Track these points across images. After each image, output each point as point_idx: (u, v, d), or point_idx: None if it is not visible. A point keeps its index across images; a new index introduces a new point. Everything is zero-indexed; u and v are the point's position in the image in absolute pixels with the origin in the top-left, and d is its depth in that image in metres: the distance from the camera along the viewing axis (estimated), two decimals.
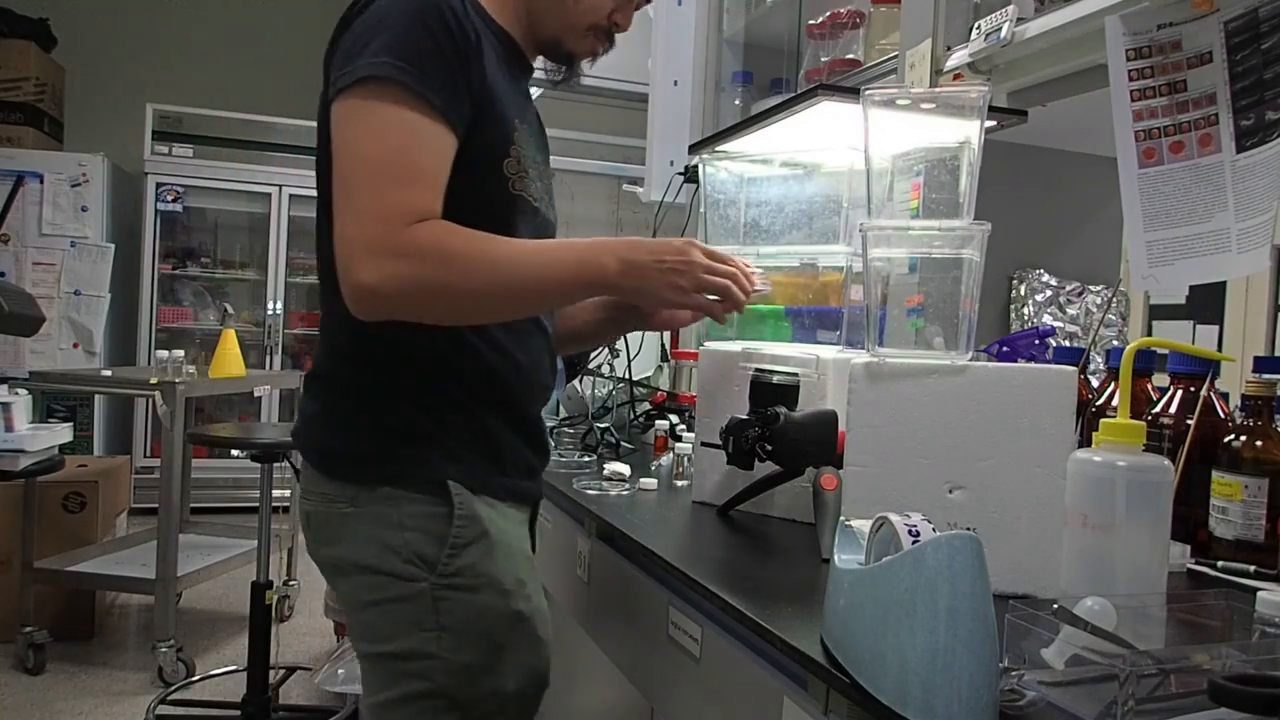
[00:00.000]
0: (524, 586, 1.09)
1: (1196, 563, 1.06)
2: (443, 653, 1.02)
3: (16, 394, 2.85)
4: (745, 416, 1.20)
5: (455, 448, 1.07)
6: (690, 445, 1.53)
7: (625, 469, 1.52)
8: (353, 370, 1.08)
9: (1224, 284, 2.43)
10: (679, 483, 1.53)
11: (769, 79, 2.38)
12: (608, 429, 1.87)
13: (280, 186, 5.06)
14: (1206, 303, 2.61)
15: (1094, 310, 1.75)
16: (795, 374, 1.22)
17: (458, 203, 1.00)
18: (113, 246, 4.76)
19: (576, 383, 2.02)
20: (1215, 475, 1.06)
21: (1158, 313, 2.68)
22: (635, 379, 2.10)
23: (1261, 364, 1.07)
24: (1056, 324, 1.72)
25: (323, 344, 1.12)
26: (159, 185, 4.92)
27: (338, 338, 1.09)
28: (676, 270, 1.07)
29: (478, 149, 1.03)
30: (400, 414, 1.06)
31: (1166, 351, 1.17)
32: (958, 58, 1.49)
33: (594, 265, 1.04)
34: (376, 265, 0.92)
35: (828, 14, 1.94)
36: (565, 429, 1.99)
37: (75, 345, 4.70)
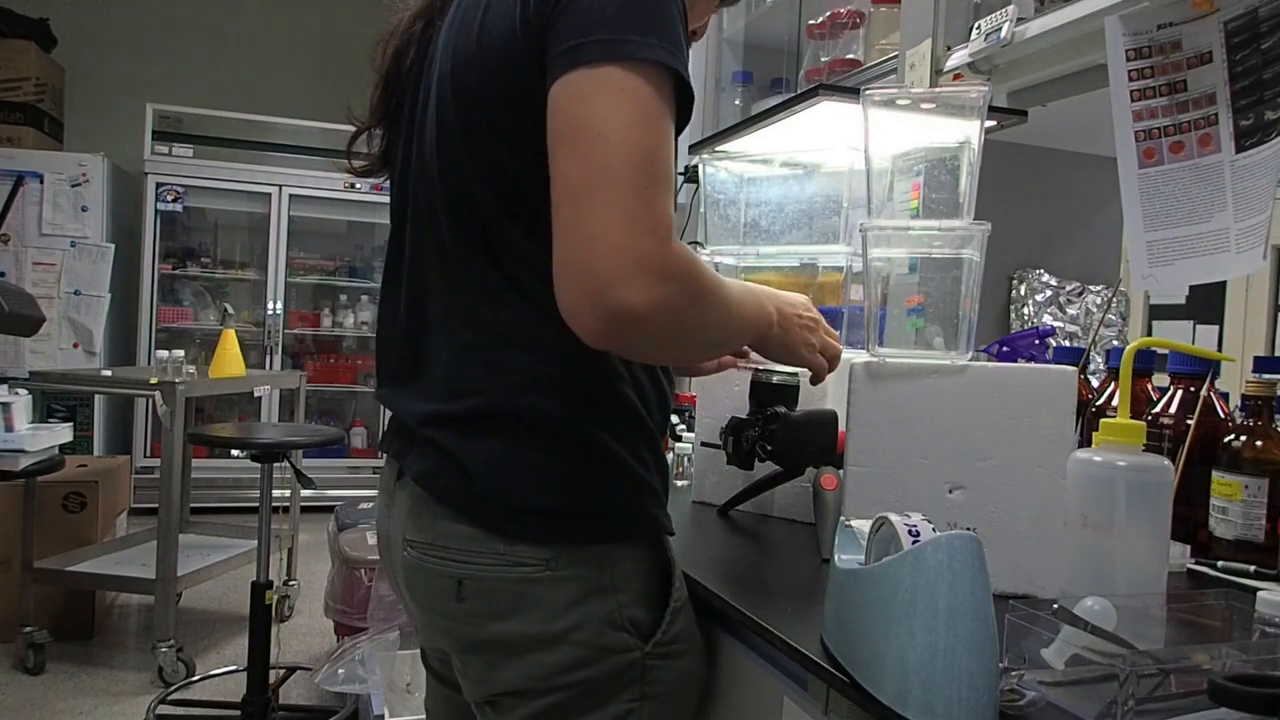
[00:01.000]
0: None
1: (1196, 563, 1.06)
2: None
3: (16, 394, 2.85)
4: (745, 416, 1.20)
5: (659, 491, 0.94)
6: (690, 445, 1.53)
7: None
8: (552, 406, 0.87)
9: (1224, 284, 2.43)
10: (679, 483, 1.53)
11: (769, 79, 2.38)
12: None
13: (280, 186, 5.06)
14: (1206, 303, 2.61)
15: (1094, 310, 1.75)
16: (795, 374, 1.22)
17: None
18: (113, 246, 4.76)
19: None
20: (1215, 475, 1.06)
21: (1158, 313, 2.68)
22: None
23: (1261, 364, 1.07)
24: (1056, 324, 1.72)
25: (489, 372, 0.88)
26: (159, 185, 4.92)
27: (539, 366, 0.87)
28: (809, 328, 1.01)
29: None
30: (615, 457, 0.89)
31: (1166, 351, 1.17)
32: (958, 58, 1.49)
33: (765, 312, 0.95)
34: (647, 286, 0.73)
35: (828, 14, 1.94)
36: None
37: (75, 345, 4.70)
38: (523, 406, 0.87)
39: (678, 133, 0.82)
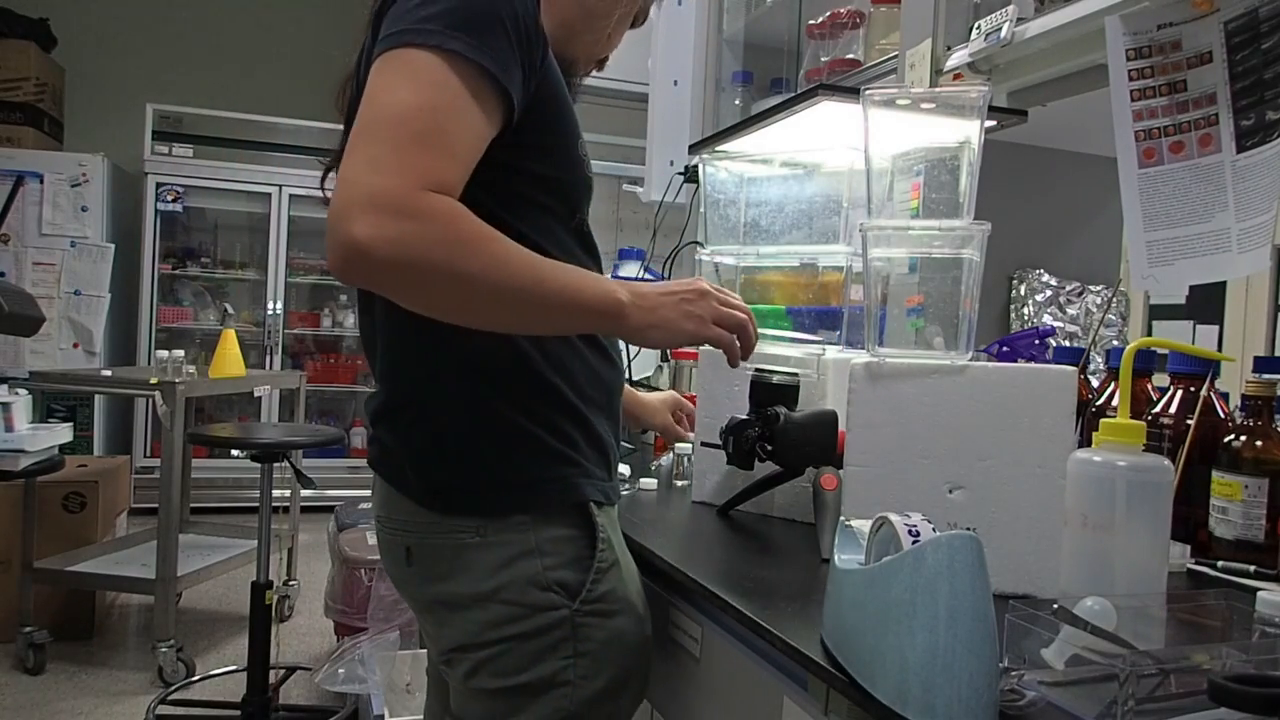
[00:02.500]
0: (647, 608, 1.05)
1: (1196, 563, 1.06)
2: (577, 679, 0.97)
3: (16, 394, 2.85)
4: (745, 416, 1.20)
5: (583, 462, 1.00)
6: (690, 445, 1.53)
7: (625, 469, 1.52)
8: (467, 392, 0.96)
9: (1224, 284, 2.43)
10: (679, 483, 1.53)
11: (769, 79, 2.38)
12: None
13: (280, 186, 5.06)
14: (1206, 303, 2.61)
15: (1094, 310, 1.75)
16: (795, 374, 1.22)
17: (546, 187, 0.98)
18: (113, 246, 4.76)
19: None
20: (1215, 475, 1.06)
21: (1158, 313, 2.68)
22: (635, 379, 2.10)
23: (1261, 364, 1.07)
24: (1056, 324, 1.72)
25: (412, 365, 0.99)
26: (159, 185, 4.92)
27: (438, 356, 0.97)
28: (689, 300, 0.99)
29: (563, 132, 0.98)
30: (528, 434, 0.97)
31: (1166, 351, 1.17)
32: (958, 58, 1.49)
33: (602, 290, 0.93)
34: (376, 221, 0.78)
35: (828, 14, 1.94)
36: None
37: (75, 345, 4.70)
38: (440, 395, 0.98)
39: (505, 128, 0.90)
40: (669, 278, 2.25)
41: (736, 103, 2.41)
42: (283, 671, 2.86)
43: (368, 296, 1.04)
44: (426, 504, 0.97)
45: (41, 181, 4.64)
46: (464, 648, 0.98)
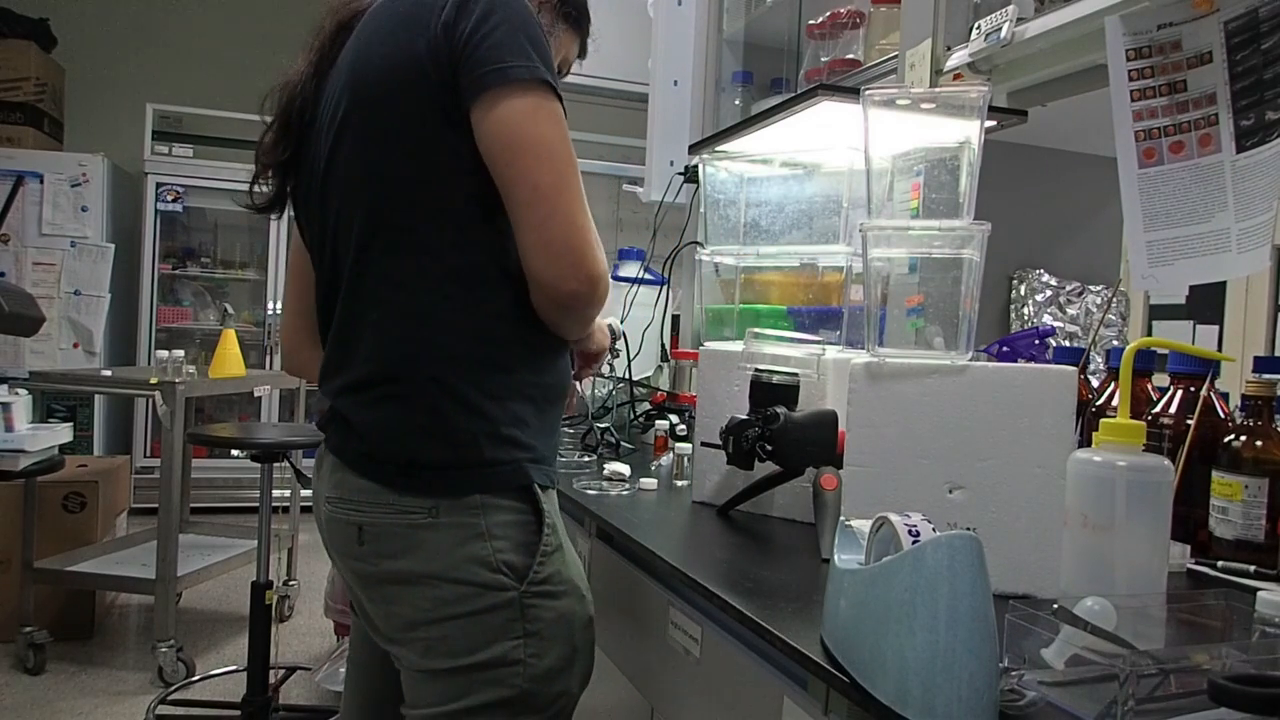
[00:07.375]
0: (589, 590, 1.11)
1: (1196, 563, 1.06)
2: (528, 658, 1.02)
3: (16, 394, 2.85)
4: (745, 416, 1.20)
5: (535, 448, 1.07)
6: (690, 445, 1.53)
7: (625, 469, 1.52)
8: (449, 373, 1.02)
9: (1224, 284, 2.43)
10: (679, 483, 1.53)
11: (769, 79, 2.38)
12: (608, 429, 1.87)
13: None
14: (1206, 303, 2.61)
15: (1094, 310, 1.75)
16: (795, 374, 1.22)
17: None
18: (113, 246, 4.76)
19: (577, 383, 2.01)
20: (1215, 475, 1.06)
21: (1158, 313, 2.68)
22: (635, 379, 2.10)
23: (1261, 364, 1.07)
24: (1056, 324, 1.72)
25: (392, 344, 1.04)
26: (159, 185, 4.92)
27: (437, 337, 1.02)
28: None
29: None
30: (491, 416, 1.03)
31: (1166, 351, 1.17)
32: (958, 58, 1.49)
33: None
34: (599, 257, 1.00)
35: (828, 14, 1.94)
36: (565, 429, 1.99)
37: (75, 345, 4.70)
38: (412, 373, 1.03)
39: None
40: (669, 278, 2.25)
41: (736, 103, 2.41)
42: (283, 671, 2.86)
43: (356, 279, 1.06)
44: (384, 482, 1.02)
45: (41, 181, 4.64)
46: (414, 625, 1.02)
